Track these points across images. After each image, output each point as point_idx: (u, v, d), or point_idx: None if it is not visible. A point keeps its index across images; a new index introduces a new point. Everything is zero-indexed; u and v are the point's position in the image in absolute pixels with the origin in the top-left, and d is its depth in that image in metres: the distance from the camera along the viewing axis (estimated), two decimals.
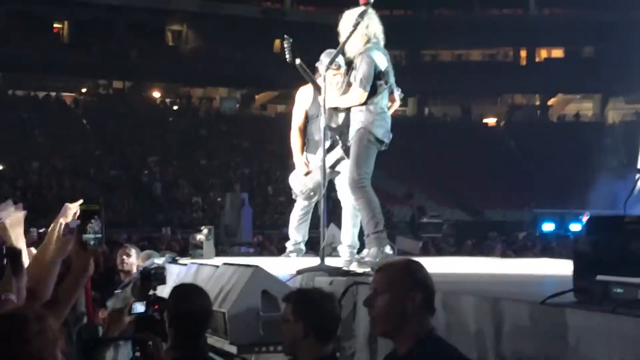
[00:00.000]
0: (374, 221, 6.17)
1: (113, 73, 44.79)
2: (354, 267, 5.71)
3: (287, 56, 6.72)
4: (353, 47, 6.29)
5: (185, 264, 6.15)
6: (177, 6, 45.04)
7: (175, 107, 46.82)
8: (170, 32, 48.63)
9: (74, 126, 39.90)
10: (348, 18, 6.22)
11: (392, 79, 6.38)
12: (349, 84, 6.40)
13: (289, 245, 7.45)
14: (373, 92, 6.21)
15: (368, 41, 6.24)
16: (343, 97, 6.38)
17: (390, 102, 6.44)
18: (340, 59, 6.64)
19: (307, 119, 7.15)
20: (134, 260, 6.92)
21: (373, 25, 6.29)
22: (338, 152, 6.77)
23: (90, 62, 42.38)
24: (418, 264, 3.18)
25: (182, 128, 41.53)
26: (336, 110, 6.75)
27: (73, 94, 45.46)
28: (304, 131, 7.15)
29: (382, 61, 6.27)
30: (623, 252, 3.04)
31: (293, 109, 7.25)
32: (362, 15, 5.99)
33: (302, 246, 7.41)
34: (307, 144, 7.15)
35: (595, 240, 3.18)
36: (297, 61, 6.60)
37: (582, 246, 3.26)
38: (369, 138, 6.19)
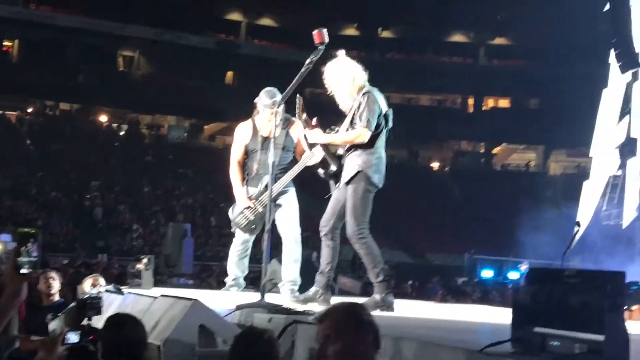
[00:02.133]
0: (375, 271, 6.17)
1: (61, 94, 44.29)
2: (292, 305, 5.67)
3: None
4: (344, 98, 6.28)
5: (123, 293, 6.05)
6: (131, 32, 44.82)
7: (122, 133, 46.40)
8: (122, 58, 48.31)
9: (18, 146, 39.26)
10: (331, 68, 6.25)
11: (390, 123, 6.39)
12: (347, 129, 6.30)
13: (228, 279, 7.40)
14: (375, 135, 6.18)
15: (361, 89, 6.26)
16: (345, 133, 6.26)
17: None
18: (277, 98, 6.73)
19: (246, 154, 7.17)
20: (58, 284, 6.82)
21: (360, 73, 6.32)
22: (279, 185, 6.78)
23: (39, 82, 41.85)
24: (361, 305, 3.19)
25: (128, 154, 41.14)
26: (283, 149, 6.80)
27: (19, 113, 44.77)
28: (243, 165, 7.19)
29: (383, 103, 6.30)
30: (561, 305, 3.06)
31: (232, 144, 7.29)
32: (315, 54, 6.01)
33: (242, 281, 7.38)
34: (246, 178, 7.17)
35: (535, 291, 3.21)
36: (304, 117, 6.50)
37: (522, 296, 3.29)
38: (366, 184, 6.15)
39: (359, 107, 6.18)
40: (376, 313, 5.34)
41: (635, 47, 20.14)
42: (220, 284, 8.08)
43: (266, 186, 6.74)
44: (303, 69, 5.99)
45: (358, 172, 6.16)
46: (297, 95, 6.42)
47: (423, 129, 47.82)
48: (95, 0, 43.92)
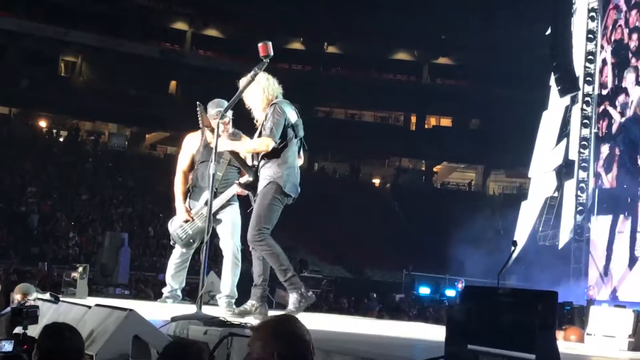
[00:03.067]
0: (282, 269, 6.22)
1: (0, 98, 43.52)
2: (229, 318, 5.64)
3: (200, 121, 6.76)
4: (256, 108, 6.37)
5: (56, 302, 5.96)
6: (74, 38, 44.26)
7: (61, 139, 45.72)
8: (64, 63, 47.67)
9: None
10: (242, 84, 6.30)
11: (301, 133, 6.46)
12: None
13: (165, 290, 7.35)
14: (284, 146, 6.25)
15: (270, 101, 6.34)
16: (249, 141, 6.37)
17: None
18: (222, 108, 6.76)
19: (192, 165, 7.16)
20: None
21: (272, 86, 6.39)
22: (221, 200, 6.79)
23: None
24: (294, 318, 3.18)
25: (67, 160, 40.53)
26: (229, 164, 6.82)
27: None
28: (188, 177, 7.17)
29: (293, 114, 6.37)
30: (495, 323, 3.10)
31: (179, 154, 7.27)
32: (260, 67, 6.04)
33: (179, 292, 7.34)
34: (191, 190, 7.15)
35: (469, 309, 3.24)
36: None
37: (456, 314, 3.32)
38: (276, 192, 6.22)
39: (265, 118, 6.28)
40: (303, 315, 5.38)
41: (575, 71, 20.57)
42: (157, 295, 8.00)
43: (207, 201, 6.77)
44: (246, 81, 6.02)
45: (269, 182, 6.23)
46: (198, 102, 6.51)
47: (365, 145, 48.12)
48: (39, 5, 43.31)
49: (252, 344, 3.08)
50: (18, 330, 4.12)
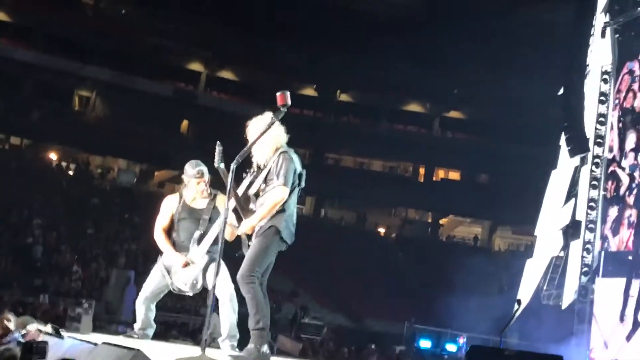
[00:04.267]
0: (255, 318, 6.26)
1: (13, 129, 43.84)
2: None
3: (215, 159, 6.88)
4: (262, 153, 6.44)
5: (62, 336, 5.97)
6: (89, 73, 44.71)
7: (70, 172, 45.91)
8: (78, 97, 48.08)
9: None
10: (257, 123, 6.38)
11: (303, 184, 6.54)
12: (260, 186, 6.47)
13: (135, 327, 7.40)
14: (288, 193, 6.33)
15: (278, 148, 6.42)
16: (263, 200, 6.39)
17: None
18: (204, 169, 7.20)
19: (171, 223, 7.34)
20: (12, 327, 6.69)
21: (280, 134, 6.48)
22: (209, 240, 6.91)
23: None
24: None
25: (74, 194, 40.65)
26: (210, 221, 6.97)
27: None
28: (169, 233, 7.36)
29: (298, 164, 6.45)
30: None
31: (158, 215, 7.46)
32: (277, 116, 6.12)
33: (149, 332, 7.39)
34: (174, 245, 7.32)
35: None
36: (222, 166, 6.71)
37: None
38: (275, 237, 6.29)
39: (276, 166, 6.34)
40: None
41: (585, 133, 20.63)
42: (159, 335, 8.03)
43: (197, 243, 6.97)
44: (264, 129, 6.08)
45: (270, 227, 6.29)
46: (217, 142, 6.62)
47: (373, 194, 48.16)
48: (56, 38, 43.83)
49: None
50: None
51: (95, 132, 44.53)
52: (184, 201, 7.35)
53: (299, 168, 6.45)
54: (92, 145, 45.47)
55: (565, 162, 21.57)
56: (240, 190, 6.49)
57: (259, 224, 6.36)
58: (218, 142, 6.80)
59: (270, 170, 6.39)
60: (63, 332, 6.40)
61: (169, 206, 7.46)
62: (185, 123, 49.76)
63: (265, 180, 6.42)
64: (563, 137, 21.44)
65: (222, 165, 6.80)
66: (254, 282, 6.31)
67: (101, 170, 47.37)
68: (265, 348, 6.20)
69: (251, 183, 6.59)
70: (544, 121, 31.79)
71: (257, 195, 6.48)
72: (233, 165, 6.00)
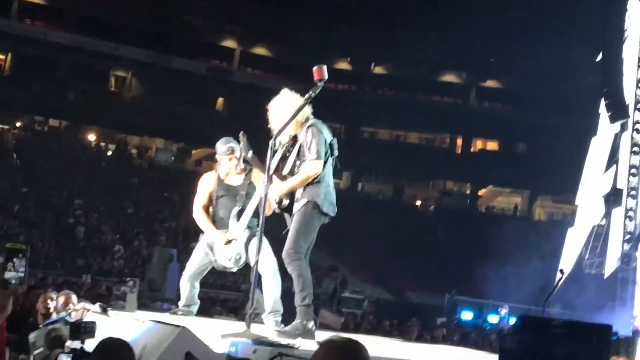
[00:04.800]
0: (302, 294, 6.23)
1: (51, 111, 44.29)
2: (277, 338, 5.69)
3: (243, 152, 6.86)
4: (288, 130, 6.40)
5: (108, 314, 6.04)
6: (124, 53, 44.93)
7: (109, 153, 46.33)
8: (114, 78, 48.38)
9: (4, 160, 39.09)
10: (279, 102, 6.35)
11: (336, 152, 6.49)
12: (294, 162, 6.43)
13: (180, 304, 7.46)
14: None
15: (305, 120, 6.38)
16: (300, 174, 6.36)
17: None
18: (235, 145, 7.12)
19: (210, 201, 7.37)
20: (58, 306, 6.76)
21: (306, 109, 6.43)
22: (248, 215, 6.89)
23: (29, 97, 41.82)
24: (359, 343, 3.22)
25: (114, 174, 41.04)
26: (247, 196, 6.94)
27: (6, 127, 44.68)
28: (207, 211, 7.36)
29: (328, 134, 6.40)
30: (547, 354, 3.10)
31: (196, 193, 7.48)
32: (314, 90, 6.08)
33: (193, 309, 7.43)
34: (214, 223, 7.34)
35: (522, 339, 3.24)
36: (249, 154, 6.71)
37: (509, 343, 3.32)
38: (314, 211, 6.25)
39: (305, 141, 6.29)
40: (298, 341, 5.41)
41: (625, 98, 20.35)
42: (203, 311, 8.09)
43: (237, 219, 6.97)
44: (300, 104, 6.05)
45: (308, 201, 6.25)
46: (241, 133, 6.60)
47: (410, 166, 48.00)
48: (90, 19, 44.07)
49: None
50: (76, 344, 4.18)
51: (132, 112, 44.84)
52: (219, 178, 7.39)
53: (329, 138, 6.40)
54: (130, 125, 45.80)
55: (605, 129, 21.33)
56: (274, 161, 6.47)
57: (298, 201, 6.31)
58: (242, 133, 6.79)
59: (301, 146, 6.35)
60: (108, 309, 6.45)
61: (206, 184, 7.48)
62: (220, 100, 49.89)
63: (298, 157, 6.38)
64: (602, 104, 21.19)
65: (250, 154, 6.78)
66: (300, 258, 6.29)
67: (139, 149, 47.73)
68: (311, 324, 6.21)
69: (282, 161, 6.56)
70: (583, 88, 31.39)
71: (292, 173, 6.44)
72: (271, 142, 5.99)
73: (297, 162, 6.39)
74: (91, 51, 43.76)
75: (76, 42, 43.41)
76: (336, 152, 6.50)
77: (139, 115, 44.37)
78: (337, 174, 6.72)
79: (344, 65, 49.23)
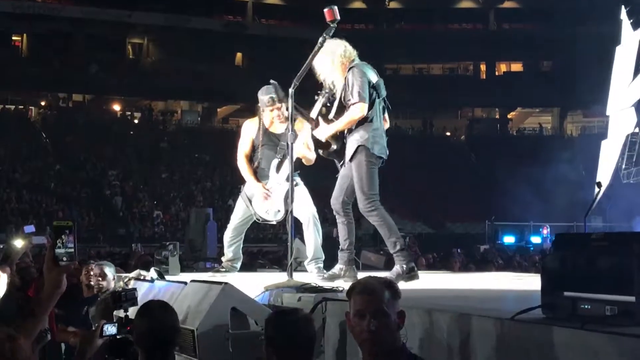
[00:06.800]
0: (391, 241, 6.21)
1: (73, 86, 44.45)
2: (321, 283, 5.71)
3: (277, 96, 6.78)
4: (331, 75, 6.33)
5: (152, 281, 6.11)
6: (138, 19, 44.83)
7: (135, 121, 46.54)
8: (131, 45, 48.37)
9: (34, 139, 39.47)
10: (326, 45, 6.23)
11: (383, 93, 6.41)
12: (340, 107, 6.36)
13: (223, 259, 7.48)
14: (369, 107, 6.23)
15: (346, 66, 6.29)
16: (344, 117, 6.29)
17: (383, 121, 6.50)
18: (274, 93, 6.90)
19: (253, 148, 7.25)
20: (110, 279, 6.81)
21: (344, 51, 6.33)
22: (287, 166, 6.81)
23: (49, 75, 42.01)
24: (394, 282, 3.30)
25: (143, 141, 41.28)
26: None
27: (32, 107, 45.03)
28: (251, 159, 7.29)
29: (373, 75, 6.32)
30: (590, 269, 3.08)
31: (239, 140, 7.37)
32: (328, 33, 6.00)
33: (236, 264, 7.44)
34: (255, 172, 7.27)
35: (563, 256, 3.22)
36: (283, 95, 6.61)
37: (550, 262, 3.30)
38: (368, 158, 6.20)
39: (348, 84, 6.20)
40: (402, 284, 5.37)
41: None
42: (245, 266, 8.13)
43: (277, 170, 6.93)
44: (316, 48, 5.99)
45: (358, 146, 6.20)
46: (271, 80, 6.48)
47: (436, 98, 47.72)
48: None
49: (377, 303, 3.14)
50: (120, 313, 4.24)
51: (153, 77, 44.89)
52: (263, 126, 7.22)
53: (373, 79, 6.30)
54: (152, 91, 45.89)
55: (629, 36, 20.99)
56: (313, 113, 6.41)
57: (348, 146, 6.23)
58: (271, 80, 6.69)
59: (344, 89, 6.27)
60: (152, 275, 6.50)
61: (247, 132, 7.34)
62: (239, 55, 49.72)
63: (344, 101, 6.30)
64: (623, 11, 20.82)
65: (282, 94, 6.71)
66: (376, 207, 6.23)
67: (165, 114, 47.88)
68: (411, 265, 6.20)
69: (326, 106, 6.48)
70: None
71: (338, 118, 6.36)
72: (291, 90, 5.94)
73: (342, 106, 6.33)
74: (105, 21, 43.71)
75: (89, 15, 43.40)
76: (383, 93, 6.41)
77: (160, 79, 44.42)
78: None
79: (358, 4, 48.73)
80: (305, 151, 6.90)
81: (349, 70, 6.25)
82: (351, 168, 6.29)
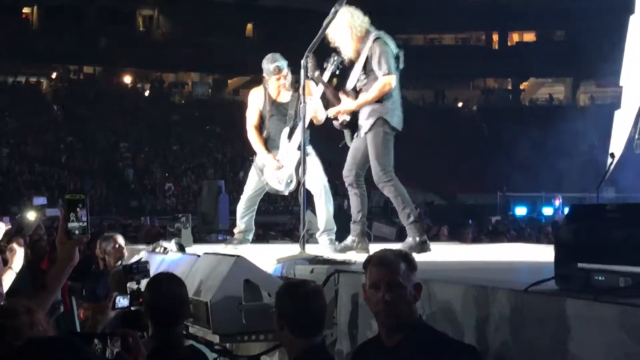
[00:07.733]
0: (405, 212, 6.18)
1: (83, 58, 44.43)
2: (332, 255, 5.71)
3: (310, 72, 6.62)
4: (347, 45, 6.26)
5: (167, 254, 6.11)
6: None
7: (146, 93, 46.53)
8: (142, 17, 48.24)
9: (45, 112, 39.54)
10: (340, 15, 6.15)
11: (402, 65, 6.35)
12: (359, 78, 6.28)
13: (235, 231, 7.47)
14: None
15: (366, 33, 6.22)
16: (373, 89, 6.20)
17: None
18: (281, 63, 6.87)
19: (261, 119, 7.16)
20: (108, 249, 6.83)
21: (358, 21, 6.26)
22: (299, 135, 6.74)
23: (60, 48, 41.99)
24: (410, 254, 3.33)
25: (154, 113, 41.29)
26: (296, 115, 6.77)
27: (43, 80, 45.06)
28: (260, 130, 7.21)
29: (394, 46, 6.27)
30: (604, 240, 3.06)
31: (246, 111, 7.30)
32: (339, 3, 5.95)
33: (249, 237, 7.43)
34: (266, 143, 7.20)
35: (577, 228, 3.20)
36: (317, 74, 6.49)
37: (564, 234, 3.29)
38: (385, 129, 6.16)
39: (373, 55, 6.12)
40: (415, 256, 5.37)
41: None
42: (258, 238, 8.15)
43: (288, 139, 6.88)
44: (329, 19, 5.94)
45: (377, 119, 6.14)
46: (309, 55, 6.40)
47: (448, 68, 47.46)
48: None
49: (393, 274, 3.17)
50: (132, 285, 4.26)
51: (163, 49, 44.80)
52: (269, 96, 7.12)
53: (395, 50, 6.25)
54: (163, 63, 45.82)
55: None
56: (324, 78, 6.36)
57: (366, 118, 6.17)
58: (312, 54, 6.55)
59: (367, 60, 6.18)
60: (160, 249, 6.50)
61: (254, 102, 7.24)
62: (249, 27, 49.51)
63: (365, 71, 6.21)
64: None
65: (317, 74, 6.54)
66: (391, 178, 6.20)
67: (175, 86, 47.83)
68: (424, 237, 6.18)
69: (334, 74, 6.41)
70: None
71: (355, 89, 6.29)
72: (303, 61, 5.90)
73: (362, 77, 6.25)
74: None
75: None
76: (402, 65, 6.36)
77: (170, 51, 44.33)
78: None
79: None
80: (315, 111, 6.81)
81: (374, 41, 6.16)
82: (365, 139, 6.25)
